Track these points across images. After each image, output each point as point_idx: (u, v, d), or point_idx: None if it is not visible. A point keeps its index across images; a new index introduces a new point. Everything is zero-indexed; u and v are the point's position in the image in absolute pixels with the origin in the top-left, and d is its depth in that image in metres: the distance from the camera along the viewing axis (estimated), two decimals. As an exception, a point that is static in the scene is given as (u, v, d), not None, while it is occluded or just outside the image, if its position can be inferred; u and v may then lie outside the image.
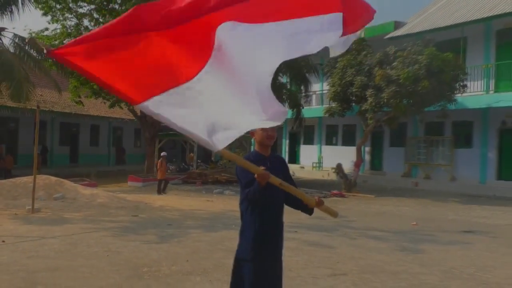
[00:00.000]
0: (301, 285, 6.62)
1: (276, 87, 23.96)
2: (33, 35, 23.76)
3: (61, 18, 23.56)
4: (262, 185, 3.49)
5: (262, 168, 3.47)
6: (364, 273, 7.42)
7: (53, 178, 16.62)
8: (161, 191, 19.17)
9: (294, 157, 34.43)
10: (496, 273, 7.67)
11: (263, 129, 3.84)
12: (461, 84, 20.18)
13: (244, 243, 3.85)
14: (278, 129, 4.06)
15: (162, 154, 20.83)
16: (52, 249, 8.61)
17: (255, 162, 3.72)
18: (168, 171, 27.99)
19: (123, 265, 7.54)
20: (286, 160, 33.71)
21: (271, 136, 3.84)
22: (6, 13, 21.08)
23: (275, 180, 3.50)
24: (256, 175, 3.46)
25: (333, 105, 22.45)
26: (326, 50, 3.61)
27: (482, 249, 9.64)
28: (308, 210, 4.02)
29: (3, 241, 9.16)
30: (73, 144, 33.44)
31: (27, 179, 15.69)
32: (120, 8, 23.40)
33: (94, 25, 23.98)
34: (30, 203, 13.22)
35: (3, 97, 22.46)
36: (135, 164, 33.93)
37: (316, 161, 32.00)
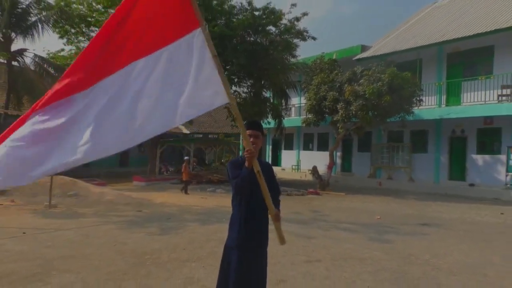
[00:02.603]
0: (281, 270, 6.62)
1: (261, 101, 24.06)
2: (51, 55, 23.58)
3: (76, 41, 23.39)
4: (248, 164, 3.56)
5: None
6: (335, 259, 7.44)
7: (68, 178, 16.48)
8: (186, 191, 18.54)
9: (276, 161, 34.44)
10: (447, 259, 7.74)
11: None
12: (418, 99, 20.36)
13: (232, 233, 3.86)
14: (263, 136, 4.09)
15: (185, 158, 20.33)
16: (66, 240, 8.54)
17: (242, 164, 3.77)
18: (168, 172, 27.89)
19: (128, 254, 7.50)
20: (270, 162, 33.75)
21: (252, 143, 3.85)
22: (28, 36, 21.01)
23: (256, 165, 3.55)
24: (246, 150, 3.57)
25: (309, 116, 22.50)
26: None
27: (436, 239, 9.72)
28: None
29: (24, 233, 9.07)
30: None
31: (45, 179, 15.47)
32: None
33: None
34: (47, 199, 13.12)
35: (25, 109, 22.24)
36: (140, 166, 33.67)
37: (295, 164, 32.06)
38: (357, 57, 26.02)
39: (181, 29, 3.48)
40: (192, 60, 3.47)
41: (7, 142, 3.25)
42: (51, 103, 3.43)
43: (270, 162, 34.17)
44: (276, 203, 3.93)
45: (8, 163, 3.16)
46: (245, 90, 25.00)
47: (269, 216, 3.83)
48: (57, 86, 3.50)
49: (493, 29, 19.74)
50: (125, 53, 3.45)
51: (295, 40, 23.42)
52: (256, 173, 3.57)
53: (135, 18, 3.48)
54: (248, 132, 3.86)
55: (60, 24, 22.20)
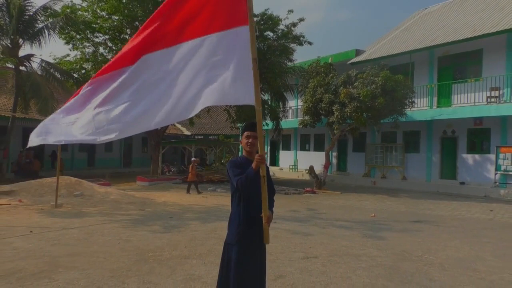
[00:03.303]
0: (279, 267, 6.61)
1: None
2: (57, 60, 23.54)
3: (81, 46, 23.35)
4: (256, 166, 3.56)
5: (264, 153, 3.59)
6: (332, 256, 7.43)
7: (73, 179, 16.45)
8: (189, 191, 18.32)
9: (275, 161, 34.43)
10: (439, 255, 7.73)
11: (245, 137, 3.86)
12: (410, 100, 20.37)
13: (231, 230, 3.85)
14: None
15: (192, 159, 20.06)
16: (72, 238, 8.52)
17: (242, 164, 3.77)
18: (170, 172, 27.84)
19: (132, 251, 7.48)
20: (268, 163, 33.72)
21: (251, 143, 3.86)
22: (35, 42, 20.96)
23: (264, 170, 3.58)
24: (257, 155, 3.54)
25: (306, 118, 22.48)
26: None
27: (428, 236, 9.71)
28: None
29: (31, 231, 9.04)
30: (90, 150, 33.02)
31: (52, 180, 15.52)
32: (130, 37, 23.28)
33: (109, 52, 23.86)
34: (54, 199, 13.08)
35: (32, 111, 22.24)
36: (143, 167, 33.72)
37: (293, 164, 32.04)
38: (352, 61, 26.01)
39: (229, 21, 3.42)
40: (233, 55, 3.42)
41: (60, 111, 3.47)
42: (102, 75, 3.49)
43: (268, 162, 34.16)
44: (271, 203, 3.94)
45: (55, 124, 3.39)
46: (244, 93, 24.95)
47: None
48: (112, 59, 3.57)
49: (482, 33, 19.76)
50: (173, 33, 3.45)
51: (292, 45, 23.46)
52: (261, 177, 3.58)
53: (192, 3, 3.46)
54: (247, 133, 3.86)
55: (66, 31, 22.16)
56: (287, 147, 33.46)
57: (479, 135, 20.91)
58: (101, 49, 23.84)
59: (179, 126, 38.39)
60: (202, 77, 3.41)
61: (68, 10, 21.86)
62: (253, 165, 3.59)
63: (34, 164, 24.31)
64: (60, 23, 20.93)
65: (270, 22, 22.12)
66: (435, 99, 22.53)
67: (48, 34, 20.94)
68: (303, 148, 31.91)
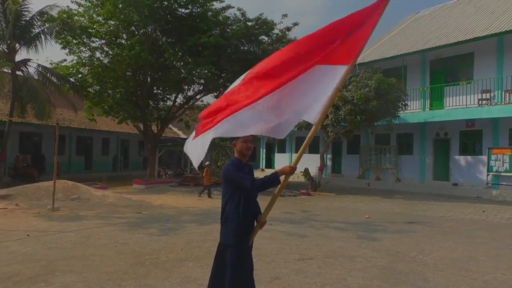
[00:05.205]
0: (275, 268, 6.58)
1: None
2: (54, 65, 23.44)
3: (77, 51, 23.28)
4: (282, 174, 3.78)
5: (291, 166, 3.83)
6: (327, 257, 7.41)
7: (70, 182, 16.36)
8: (209, 194, 18.21)
9: (270, 163, 34.38)
10: (433, 256, 7.73)
11: (243, 141, 3.87)
12: (403, 103, 20.44)
13: (228, 231, 3.82)
14: (256, 140, 4.12)
15: (206, 163, 19.74)
16: (69, 241, 8.46)
17: (242, 166, 3.81)
18: (167, 175, 27.74)
19: (128, 254, 7.43)
20: (263, 165, 33.60)
21: (250, 147, 3.89)
22: (31, 47, 20.84)
23: (286, 180, 3.83)
24: (290, 166, 3.81)
25: (301, 121, 22.47)
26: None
27: (422, 237, 9.71)
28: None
29: (28, 235, 8.98)
30: (87, 154, 32.88)
31: (49, 183, 15.42)
32: (126, 42, 23.25)
33: (105, 56, 23.79)
34: (51, 203, 13.00)
35: (29, 116, 22.11)
36: (139, 170, 33.61)
37: (288, 166, 31.97)
38: (345, 64, 26.03)
39: (340, 58, 3.74)
40: (324, 83, 3.78)
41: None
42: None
43: (264, 164, 34.22)
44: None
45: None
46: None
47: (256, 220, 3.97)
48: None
49: (473, 37, 19.88)
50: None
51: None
52: (279, 186, 3.80)
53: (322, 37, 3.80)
54: (246, 137, 3.88)
55: (62, 35, 22.07)
56: (282, 150, 33.44)
57: (471, 137, 20.98)
58: (97, 54, 23.79)
59: (175, 129, 38.31)
60: (299, 100, 3.86)
61: (65, 15, 21.77)
62: (282, 171, 3.65)
63: (32, 172, 24.20)
64: (57, 28, 20.83)
65: (265, 27, 22.14)
66: (427, 101, 22.62)
67: (45, 39, 20.82)
68: (298, 151, 31.88)
